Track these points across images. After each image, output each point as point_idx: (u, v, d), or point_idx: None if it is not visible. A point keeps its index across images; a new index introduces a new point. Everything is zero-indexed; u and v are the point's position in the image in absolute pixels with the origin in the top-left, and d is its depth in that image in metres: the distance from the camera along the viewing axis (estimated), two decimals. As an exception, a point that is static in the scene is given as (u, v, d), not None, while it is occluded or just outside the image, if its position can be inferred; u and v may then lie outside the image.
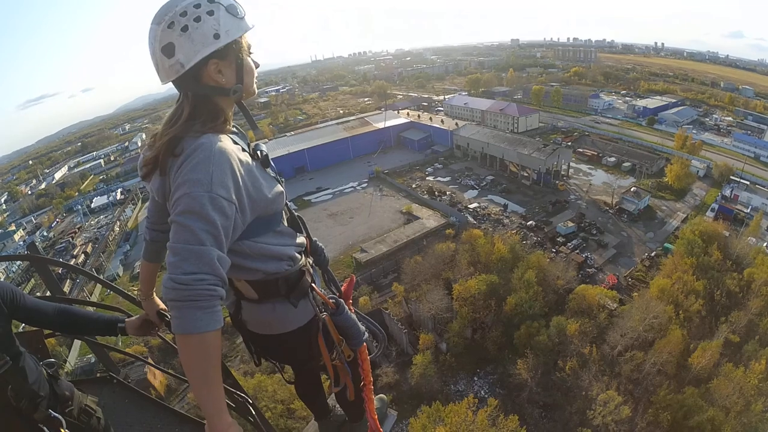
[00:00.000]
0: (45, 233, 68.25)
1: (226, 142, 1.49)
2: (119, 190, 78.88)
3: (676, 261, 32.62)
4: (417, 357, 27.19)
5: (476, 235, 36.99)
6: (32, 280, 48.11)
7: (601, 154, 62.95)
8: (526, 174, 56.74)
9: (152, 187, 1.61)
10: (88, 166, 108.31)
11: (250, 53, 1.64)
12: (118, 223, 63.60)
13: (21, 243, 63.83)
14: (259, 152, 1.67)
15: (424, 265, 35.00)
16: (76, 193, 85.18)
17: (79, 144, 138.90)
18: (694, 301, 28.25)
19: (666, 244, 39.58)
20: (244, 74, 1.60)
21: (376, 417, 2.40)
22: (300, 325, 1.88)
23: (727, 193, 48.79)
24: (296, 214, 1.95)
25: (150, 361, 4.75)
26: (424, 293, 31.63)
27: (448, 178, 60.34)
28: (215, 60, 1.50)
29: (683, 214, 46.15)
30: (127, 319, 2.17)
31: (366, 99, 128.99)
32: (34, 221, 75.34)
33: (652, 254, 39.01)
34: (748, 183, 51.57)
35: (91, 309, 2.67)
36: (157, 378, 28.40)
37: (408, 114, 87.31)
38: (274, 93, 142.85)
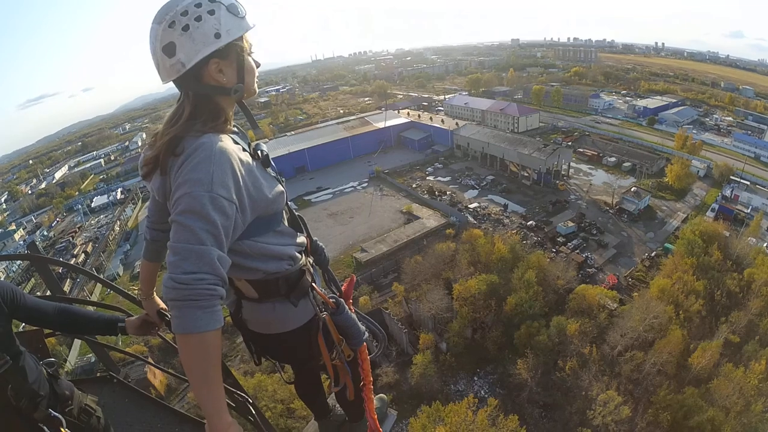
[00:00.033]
0: (45, 233, 68.27)
1: (226, 141, 1.49)
2: (119, 190, 78.83)
3: (676, 261, 32.61)
4: (417, 357, 27.19)
5: (476, 235, 36.99)
6: (32, 279, 48.13)
7: (601, 154, 62.93)
8: (526, 174, 56.74)
9: (153, 187, 1.61)
10: (88, 165, 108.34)
11: (251, 53, 1.64)
12: (119, 222, 63.59)
13: (21, 242, 63.83)
14: (259, 152, 1.66)
15: (425, 264, 35.01)
16: (77, 193, 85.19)
17: (80, 143, 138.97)
18: (694, 302, 28.23)
19: (666, 244, 39.57)
20: (245, 74, 1.60)
21: (376, 417, 2.40)
22: (300, 325, 1.88)
23: (728, 193, 48.77)
24: (297, 213, 1.95)
25: (150, 360, 4.75)
26: (424, 293, 31.63)
27: (448, 178, 60.34)
28: (216, 59, 1.50)
29: (683, 214, 46.14)
30: (127, 319, 2.17)
31: (366, 99, 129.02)
32: (35, 221, 75.36)
33: (653, 254, 39.01)
34: (748, 183, 51.55)
35: (91, 308, 2.67)
36: (157, 377, 28.41)
37: (408, 114, 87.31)
38: (274, 93, 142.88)
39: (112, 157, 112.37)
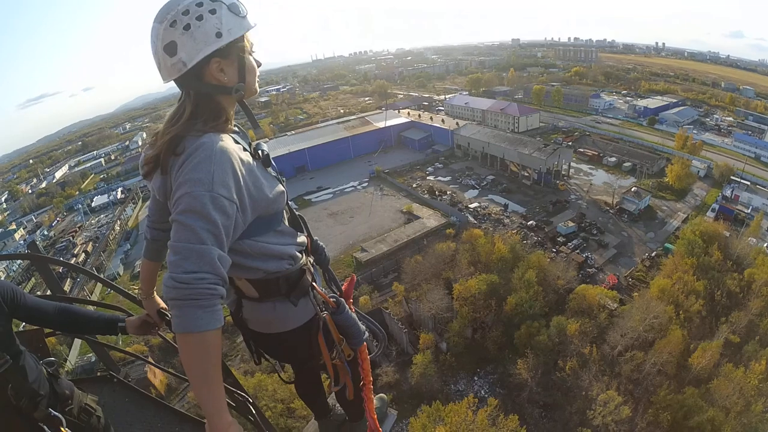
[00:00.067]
0: (45, 232, 68.28)
1: (227, 141, 1.49)
2: (120, 189, 78.83)
3: (676, 261, 32.59)
4: (417, 356, 27.19)
5: (477, 235, 36.98)
6: (33, 279, 48.12)
7: (601, 154, 62.93)
8: (526, 174, 56.73)
9: (153, 186, 1.61)
10: (88, 165, 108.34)
11: (252, 52, 1.64)
12: (119, 222, 63.58)
13: (21, 242, 63.84)
14: (260, 152, 1.66)
15: (425, 264, 35.01)
16: (77, 192, 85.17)
17: (80, 143, 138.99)
18: (694, 302, 28.22)
19: (666, 245, 39.56)
20: (246, 73, 1.60)
21: (376, 416, 2.40)
22: (300, 324, 1.88)
23: (728, 193, 48.74)
24: (297, 213, 1.95)
25: (150, 360, 4.75)
26: (424, 293, 31.63)
27: (448, 178, 60.33)
28: (217, 58, 1.51)
29: (684, 215, 46.12)
30: (127, 318, 2.17)
31: (366, 98, 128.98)
32: (35, 220, 75.39)
33: (653, 254, 38.99)
34: (748, 183, 51.52)
35: (91, 308, 2.67)
36: (157, 377, 28.43)
37: (408, 113, 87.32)
38: (274, 92, 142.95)
39: (113, 157, 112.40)
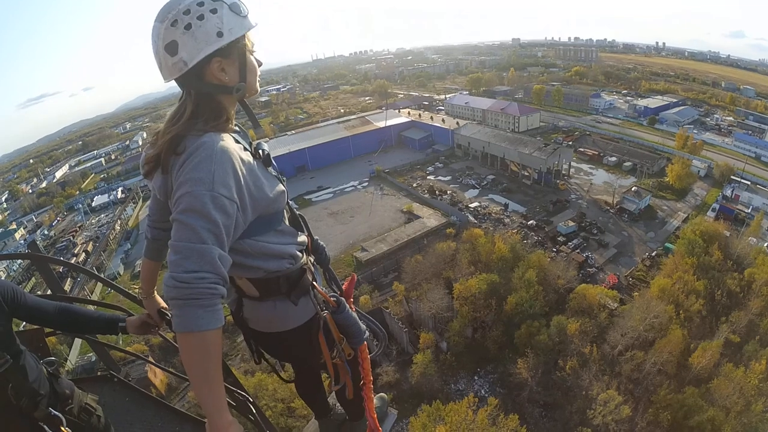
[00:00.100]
0: (46, 232, 68.29)
1: (228, 141, 1.49)
2: (120, 189, 78.87)
3: (676, 261, 32.59)
4: (417, 356, 27.20)
5: (477, 235, 36.99)
6: (33, 278, 48.16)
7: (602, 154, 62.94)
8: (527, 173, 56.72)
9: (154, 185, 1.62)
10: (88, 164, 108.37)
11: (253, 51, 1.64)
12: (119, 221, 63.60)
13: (22, 242, 63.87)
14: (260, 151, 1.67)
15: (425, 264, 35.01)
16: (77, 192, 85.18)
17: (80, 143, 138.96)
18: (694, 301, 28.23)
19: (667, 244, 39.55)
20: (247, 72, 1.60)
21: (376, 416, 2.40)
22: (301, 323, 1.88)
23: (728, 193, 48.76)
24: (297, 212, 1.95)
25: (151, 359, 4.76)
26: (424, 292, 31.63)
27: (448, 178, 60.33)
28: (218, 58, 1.51)
29: (684, 214, 46.11)
30: (128, 318, 2.17)
31: (367, 98, 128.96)
32: (35, 220, 75.42)
33: (653, 254, 38.99)
34: (749, 183, 51.48)
35: (92, 308, 2.67)
36: (157, 376, 28.45)
37: (409, 113, 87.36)
38: (275, 92, 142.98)
39: (113, 156, 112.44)
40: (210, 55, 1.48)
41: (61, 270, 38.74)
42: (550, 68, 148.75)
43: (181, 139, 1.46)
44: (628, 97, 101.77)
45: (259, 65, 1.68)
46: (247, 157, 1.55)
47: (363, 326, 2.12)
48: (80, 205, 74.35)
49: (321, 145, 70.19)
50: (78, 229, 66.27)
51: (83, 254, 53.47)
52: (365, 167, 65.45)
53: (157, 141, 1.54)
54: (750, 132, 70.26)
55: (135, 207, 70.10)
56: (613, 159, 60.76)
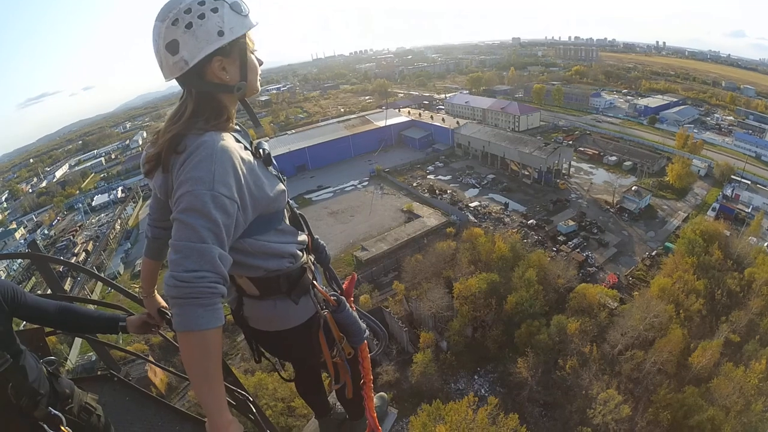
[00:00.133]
0: (46, 231, 68.27)
1: (228, 140, 1.49)
2: (120, 188, 78.85)
3: (676, 260, 32.61)
4: (417, 355, 27.22)
5: (477, 234, 37.00)
6: (33, 278, 48.20)
7: (602, 153, 62.94)
8: (527, 173, 56.72)
9: (155, 184, 1.62)
10: (89, 164, 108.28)
11: (254, 50, 1.64)
12: (119, 221, 63.61)
13: (22, 241, 63.89)
14: (261, 150, 1.67)
15: (425, 263, 35.02)
16: (77, 192, 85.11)
17: (80, 142, 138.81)
18: (694, 301, 28.24)
19: (667, 244, 39.57)
20: (248, 71, 1.60)
21: (376, 415, 2.40)
22: (301, 322, 1.88)
23: (728, 192, 48.75)
24: (298, 212, 1.95)
25: (151, 359, 4.76)
26: (424, 292, 31.65)
27: (448, 177, 60.34)
28: (219, 57, 1.51)
29: (684, 214, 46.13)
30: (128, 317, 2.17)
31: (367, 97, 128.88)
32: (35, 219, 75.43)
33: (653, 253, 39.01)
34: (749, 182, 51.45)
35: (92, 307, 2.67)
36: (158, 376, 28.47)
37: (409, 112, 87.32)
38: (275, 91, 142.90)
39: (113, 156, 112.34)
40: (211, 54, 1.48)
41: (61, 269, 38.72)
42: (551, 67, 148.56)
43: (181, 138, 1.46)
44: (629, 97, 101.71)
45: (260, 64, 1.67)
46: (248, 156, 1.55)
47: (363, 325, 2.12)
48: (80, 205, 74.33)
49: (321, 145, 70.18)
50: (78, 228, 66.28)
51: (83, 254, 53.48)
52: (365, 166, 65.45)
53: (157, 140, 1.54)
54: (750, 131, 70.24)
55: (135, 206, 70.11)
56: (614, 158, 60.75)
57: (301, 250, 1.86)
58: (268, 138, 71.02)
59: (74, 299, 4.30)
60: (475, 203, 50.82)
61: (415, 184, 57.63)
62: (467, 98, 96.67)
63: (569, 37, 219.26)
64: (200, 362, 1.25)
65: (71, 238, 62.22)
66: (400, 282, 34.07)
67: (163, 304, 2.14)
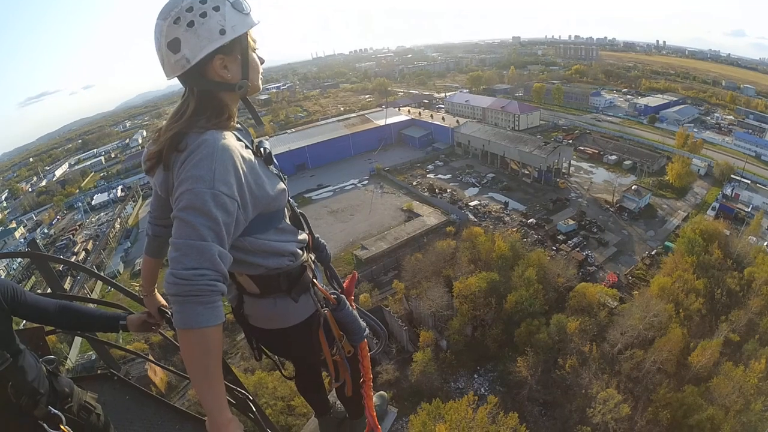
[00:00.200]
0: (46, 230, 68.25)
1: (229, 138, 1.49)
2: (120, 188, 78.84)
3: (676, 259, 32.63)
4: (417, 354, 27.25)
5: (477, 233, 37.03)
6: (33, 277, 48.16)
7: (602, 152, 62.94)
8: (527, 172, 56.73)
9: (155, 182, 1.63)
10: (88, 163, 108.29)
11: (255, 49, 1.64)
12: (119, 220, 63.59)
13: (22, 240, 63.85)
14: (262, 149, 1.68)
15: (425, 262, 35.05)
16: (77, 191, 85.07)
17: (80, 141, 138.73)
18: (694, 300, 28.27)
19: (667, 243, 39.58)
20: (249, 70, 1.60)
21: (375, 414, 2.40)
22: (301, 320, 1.89)
23: (728, 191, 48.75)
24: (298, 210, 1.95)
25: (151, 358, 4.76)
26: (424, 290, 31.67)
27: (448, 176, 60.35)
28: (221, 55, 1.51)
29: (684, 213, 46.16)
30: (128, 316, 2.17)
31: (367, 96, 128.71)
32: (35, 218, 75.41)
33: (653, 253, 39.04)
34: (749, 182, 51.43)
35: (92, 306, 2.67)
36: (157, 375, 28.49)
37: (409, 111, 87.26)
38: (275, 90, 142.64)
39: (113, 155, 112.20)
40: (212, 52, 1.48)
41: (61, 268, 38.74)
42: (551, 66, 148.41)
43: (182, 137, 1.47)
44: (629, 96, 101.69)
45: (262, 63, 1.68)
46: (249, 155, 1.55)
47: (363, 324, 2.12)
48: (80, 204, 74.31)
49: (321, 144, 70.16)
50: (78, 227, 66.23)
51: (83, 253, 53.46)
52: (365, 165, 65.46)
53: (159, 137, 1.54)
54: (750, 131, 70.23)
55: (135, 205, 70.12)
56: (613, 157, 60.76)
57: (301, 249, 1.86)
58: (268, 137, 70.86)
59: (74, 298, 4.30)
60: (475, 202, 50.83)
61: (414, 183, 57.65)
62: (467, 97, 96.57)
63: (569, 36, 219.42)
64: (200, 360, 1.26)
65: (71, 237, 62.19)
66: (399, 281, 34.11)
67: (164, 302, 2.14)
